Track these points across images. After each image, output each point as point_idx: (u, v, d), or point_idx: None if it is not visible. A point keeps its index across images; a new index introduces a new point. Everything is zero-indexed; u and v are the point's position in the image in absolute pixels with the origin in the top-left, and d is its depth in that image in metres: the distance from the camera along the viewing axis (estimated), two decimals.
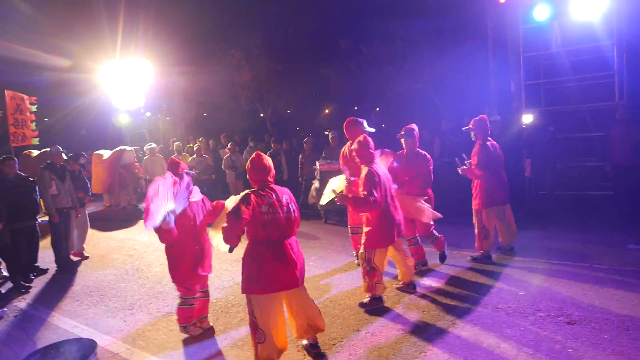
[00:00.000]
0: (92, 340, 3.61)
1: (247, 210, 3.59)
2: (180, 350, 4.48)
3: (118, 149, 13.07)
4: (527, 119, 9.65)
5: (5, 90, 10.58)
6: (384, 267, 5.15)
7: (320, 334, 4.21)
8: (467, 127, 6.40)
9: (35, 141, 11.54)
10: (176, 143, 13.21)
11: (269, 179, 3.92)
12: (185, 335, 4.68)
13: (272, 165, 4.00)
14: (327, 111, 26.56)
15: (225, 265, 6.98)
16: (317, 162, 9.23)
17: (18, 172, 6.94)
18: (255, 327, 3.75)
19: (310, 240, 8.21)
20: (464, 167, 6.26)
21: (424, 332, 4.44)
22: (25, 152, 11.16)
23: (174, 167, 4.66)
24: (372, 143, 5.05)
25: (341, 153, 6.52)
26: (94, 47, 16.56)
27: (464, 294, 5.27)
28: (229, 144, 12.10)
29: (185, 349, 4.52)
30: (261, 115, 20.37)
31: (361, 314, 4.95)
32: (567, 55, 9.58)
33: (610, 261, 5.97)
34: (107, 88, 16.17)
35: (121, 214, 12.38)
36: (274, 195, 3.79)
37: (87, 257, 8.01)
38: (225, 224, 3.61)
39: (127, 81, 15.95)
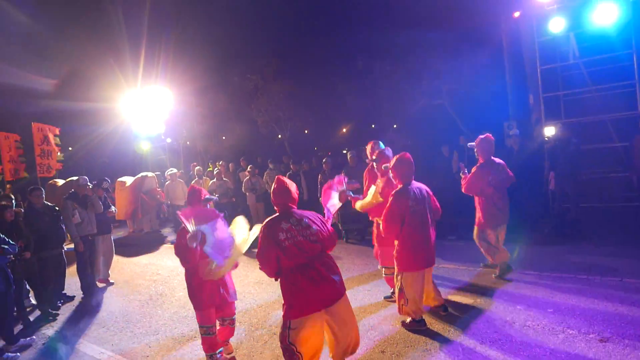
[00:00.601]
0: None
1: (271, 250, 3.66)
2: None
3: (140, 175, 13.32)
4: (550, 131, 9.54)
5: (32, 123, 10.91)
6: (417, 291, 4.92)
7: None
8: (472, 144, 6.42)
9: (56, 173, 11.80)
10: (197, 168, 13.39)
11: (290, 203, 3.87)
12: None
13: (293, 188, 3.94)
14: (344, 130, 26.69)
15: (248, 288, 6.99)
16: None
17: (45, 202, 7.12)
18: (292, 353, 3.68)
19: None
20: (465, 174, 6.34)
21: (451, 352, 4.35)
22: (51, 182, 11.45)
23: (196, 195, 4.66)
24: (412, 161, 4.98)
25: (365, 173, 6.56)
26: (115, 76, 17.06)
27: (491, 312, 5.16)
28: (249, 167, 12.21)
29: None
30: (279, 136, 20.57)
31: (386, 335, 4.89)
32: (585, 66, 9.48)
33: None
34: (128, 116, 16.58)
35: (144, 240, 12.55)
36: (290, 220, 3.75)
37: (112, 283, 8.12)
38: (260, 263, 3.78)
39: (147, 109, 16.33)
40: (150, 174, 13.70)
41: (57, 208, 7.28)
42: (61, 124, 12.58)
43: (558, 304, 5.18)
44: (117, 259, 9.92)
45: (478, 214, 6.41)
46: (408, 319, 5.02)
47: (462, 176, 6.39)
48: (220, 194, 11.38)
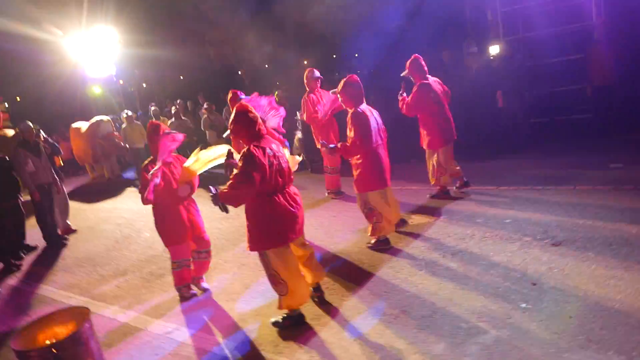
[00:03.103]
0: (84, 307, 3.61)
1: (257, 174, 3.42)
2: (177, 311, 4.52)
3: (94, 120, 12.81)
4: (494, 50, 9.43)
5: None
6: (385, 207, 5.01)
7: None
8: (405, 72, 6.20)
9: (7, 123, 11.17)
10: (153, 108, 12.93)
11: (260, 128, 3.65)
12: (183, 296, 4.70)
13: (256, 113, 3.77)
14: (306, 62, 26.03)
15: (214, 224, 6.96)
16: (297, 113, 9.10)
17: None
18: (277, 280, 3.70)
19: (299, 191, 8.19)
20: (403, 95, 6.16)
21: (415, 267, 4.50)
22: (0, 132, 10.86)
23: (155, 130, 4.49)
24: (360, 83, 4.89)
25: (303, 102, 7.29)
26: (57, 15, 15.81)
27: (452, 227, 5.33)
28: (206, 104, 11.85)
29: (182, 308, 4.55)
30: (239, 72, 19.95)
31: (352, 257, 5.00)
32: None
33: (593, 182, 6.01)
34: (74, 58, 15.64)
35: (106, 185, 12.27)
36: (272, 145, 3.63)
37: (75, 231, 7.96)
38: (232, 189, 3.43)
39: (95, 50, 15.44)
40: (105, 118, 13.18)
41: (7, 158, 6.95)
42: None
43: (515, 215, 5.37)
44: (79, 206, 9.74)
45: (426, 137, 6.29)
46: (373, 240, 5.14)
47: (400, 98, 6.18)
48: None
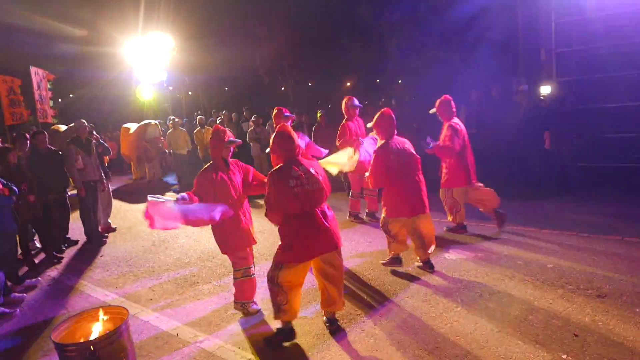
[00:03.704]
0: (123, 307, 3.69)
1: (282, 195, 3.71)
2: (209, 320, 4.56)
3: (143, 123, 13.24)
4: (545, 90, 9.28)
5: (30, 66, 10.67)
6: (399, 237, 5.19)
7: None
8: (432, 110, 6.29)
9: (55, 119, 11.62)
10: (199, 117, 13.24)
11: (297, 150, 3.87)
12: (216, 305, 4.66)
13: (295, 136, 3.94)
14: (348, 84, 26.28)
15: None
16: None
17: (48, 145, 7.08)
18: (279, 291, 3.85)
19: (334, 212, 8.18)
20: (431, 147, 6.04)
21: (449, 304, 4.41)
22: (53, 126, 11.35)
23: (219, 136, 4.39)
24: (393, 117, 5.08)
25: (340, 128, 7.24)
26: (116, 21, 16.60)
27: (489, 266, 5.20)
28: (253, 117, 12.04)
29: (212, 316, 4.59)
30: (282, 88, 20.30)
31: (384, 286, 4.95)
32: (603, 21, 9.13)
33: None
34: (130, 62, 16.28)
35: (147, 188, 12.57)
36: (300, 168, 3.77)
37: (114, 229, 8.18)
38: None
39: (149, 55, 16.03)
40: (153, 121, 13.61)
41: (60, 152, 7.26)
42: (62, 67, 12.35)
43: (558, 261, 5.21)
44: (120, 206, 10.02)
45: (445, 176, 6.33)
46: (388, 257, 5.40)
47: (432, 145, 6.01)
48: None
